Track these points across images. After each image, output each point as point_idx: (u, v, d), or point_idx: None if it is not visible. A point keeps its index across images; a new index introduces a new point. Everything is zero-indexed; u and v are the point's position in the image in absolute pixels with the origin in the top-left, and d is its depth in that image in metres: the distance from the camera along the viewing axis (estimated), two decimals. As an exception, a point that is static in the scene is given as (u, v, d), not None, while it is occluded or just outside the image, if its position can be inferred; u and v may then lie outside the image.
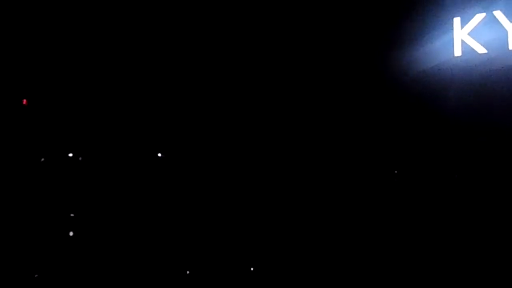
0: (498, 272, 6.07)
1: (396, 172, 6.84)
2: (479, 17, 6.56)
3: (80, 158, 6.81)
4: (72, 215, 6.73)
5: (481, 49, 6.53)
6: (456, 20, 6.66)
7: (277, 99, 7.05)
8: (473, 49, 6.55)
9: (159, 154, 7.05)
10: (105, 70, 7.09)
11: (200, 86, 7.16)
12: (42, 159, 6.67)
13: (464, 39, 6.60)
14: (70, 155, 6.82)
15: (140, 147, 7.05)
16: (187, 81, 7.17)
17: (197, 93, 7.16)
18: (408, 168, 6.79)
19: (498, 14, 6.47)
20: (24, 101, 6.36)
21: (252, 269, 6.73)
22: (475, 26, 6.57)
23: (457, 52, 6.62)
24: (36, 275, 6.57)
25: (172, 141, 7.15)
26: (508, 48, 6.39)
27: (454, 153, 6.62)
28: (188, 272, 6.79)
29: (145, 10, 7.05)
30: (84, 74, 7.06)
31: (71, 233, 6.72)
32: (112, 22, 7.00)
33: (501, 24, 6.45)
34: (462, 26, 6.62)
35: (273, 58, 7.06)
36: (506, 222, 6.24)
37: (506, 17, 6.43)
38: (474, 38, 6.56)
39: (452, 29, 6.65)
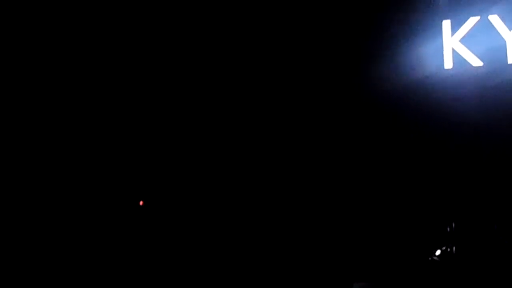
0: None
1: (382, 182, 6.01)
2: (472, 21, 5.49)
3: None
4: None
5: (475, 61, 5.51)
6: (446, 24, 5.55)
7: (256, 112, 6.38)
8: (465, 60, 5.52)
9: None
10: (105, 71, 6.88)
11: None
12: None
13: (455, 47, 5.53)
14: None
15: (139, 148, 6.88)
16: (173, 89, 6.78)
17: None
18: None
19: (495, 19, 5.44)
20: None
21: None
22: (467, 32, 5.52)
23: (448, 64, 5.54)
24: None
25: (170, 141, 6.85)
26: (507, 62, 5.42)
27: (439, 166, 5.80)
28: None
29: (145, 10, 6.65)
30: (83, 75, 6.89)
31: None
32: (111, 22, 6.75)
33: (498, 32, 5.45)
34: (452, 33, 5.53)
35: (251, 72, 6.37)
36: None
37: (504, 23, 5.42)
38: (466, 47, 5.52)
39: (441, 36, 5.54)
